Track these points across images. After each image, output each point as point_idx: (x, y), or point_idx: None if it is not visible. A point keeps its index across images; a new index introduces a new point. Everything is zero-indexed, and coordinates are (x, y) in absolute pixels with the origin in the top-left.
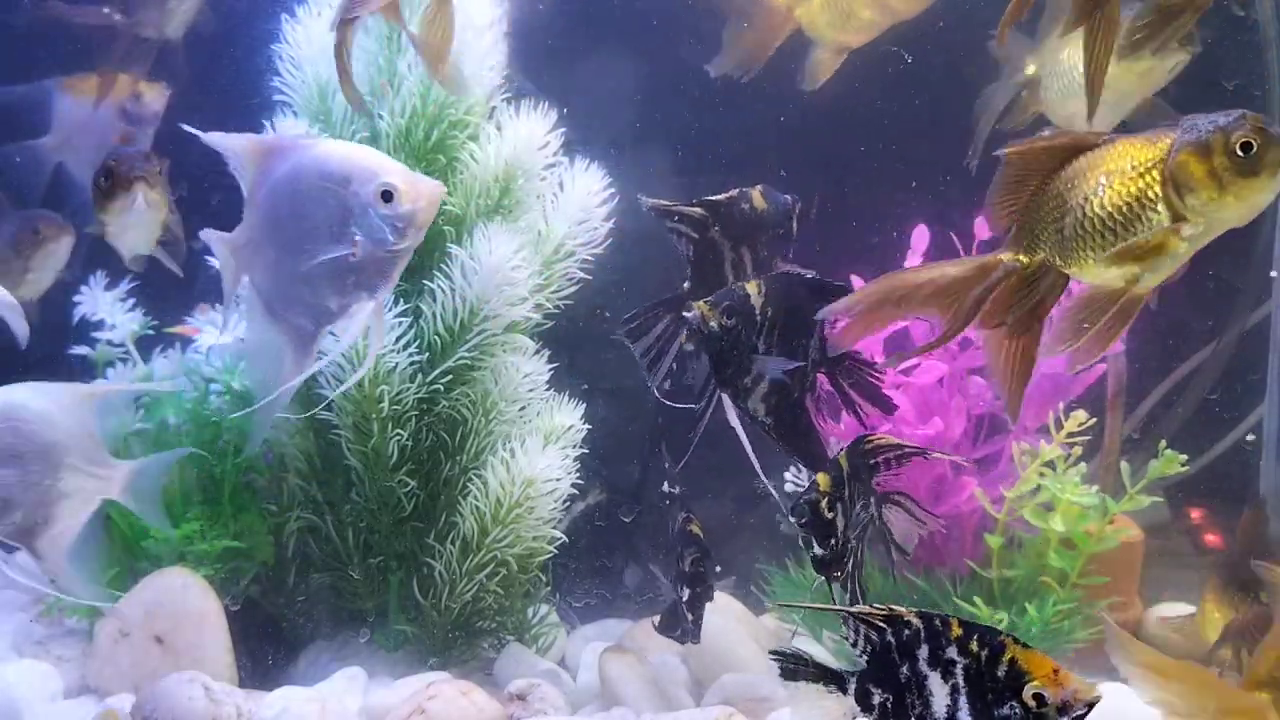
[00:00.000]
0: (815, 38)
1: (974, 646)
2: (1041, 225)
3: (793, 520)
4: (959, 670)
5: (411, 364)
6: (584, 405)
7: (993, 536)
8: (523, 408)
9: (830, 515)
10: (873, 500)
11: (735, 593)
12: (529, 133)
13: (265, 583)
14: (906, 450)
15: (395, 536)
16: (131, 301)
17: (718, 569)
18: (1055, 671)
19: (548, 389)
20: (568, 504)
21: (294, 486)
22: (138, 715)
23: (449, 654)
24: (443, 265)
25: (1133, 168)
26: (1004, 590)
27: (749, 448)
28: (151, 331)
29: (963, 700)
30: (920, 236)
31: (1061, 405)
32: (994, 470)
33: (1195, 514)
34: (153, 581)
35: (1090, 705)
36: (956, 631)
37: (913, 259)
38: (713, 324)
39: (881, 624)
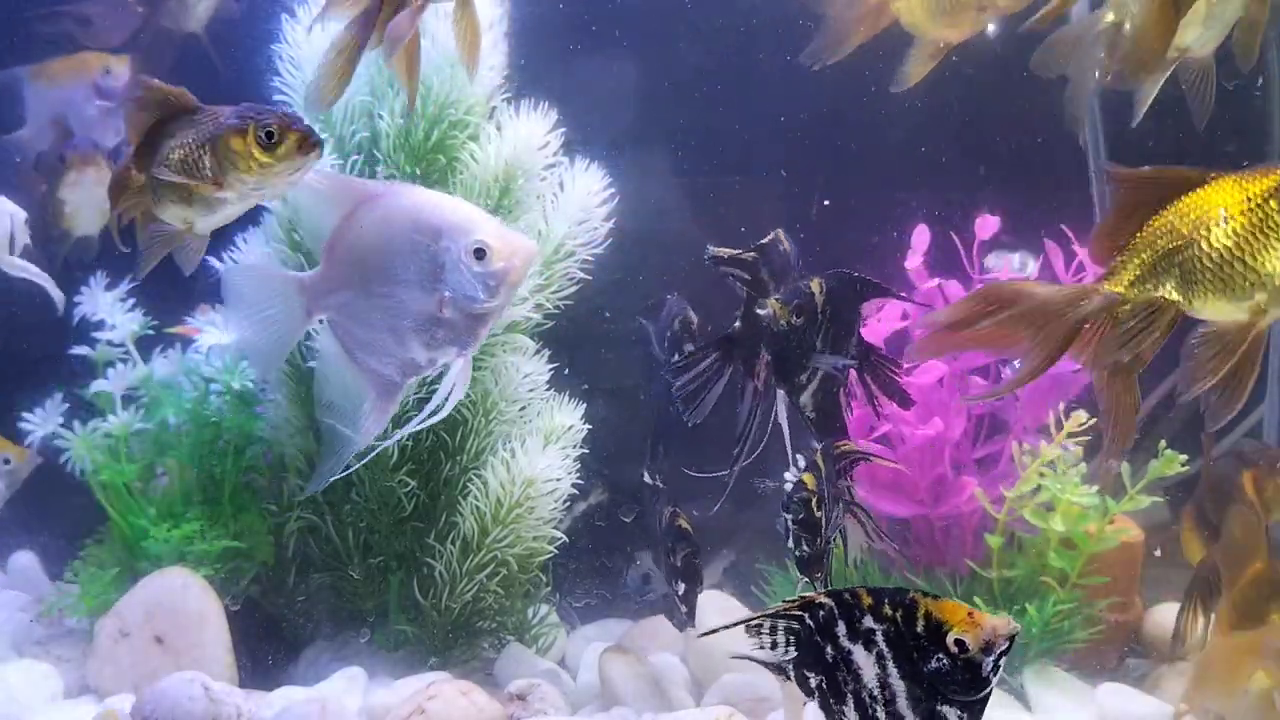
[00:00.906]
0: (914, 32)
1: (887, 610)
2: (1151, 260)
3: (787, 516)
4: (879, 637)
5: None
6: (584, 405)
7: (993, 536)
8: (523, 408)
9: (818, 514)
10: (839, 504)
11: (735, 592)
12: (529, 133)
13: (265, 583)
14: (861, 455)
15: (395, 536)
16: (131, 301)
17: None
18: (970, 615)
19: (548, 389)
20: (568, 504)
21: (294, 486)
22: (138, 715)
23: (449, 654)
24: None
25: (1250, 199)
26: (1004, 590)
27: (789, 446)
28: (151, 331)
29: (890, 665)
30: (920, 236)
31: (1061, 405)
32: (994, 470)
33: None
34: (153, 581)
35: (1011, 638)
36: (867, 600)
37: (913, 259)
38: (783, 321)
39: (797, 612)
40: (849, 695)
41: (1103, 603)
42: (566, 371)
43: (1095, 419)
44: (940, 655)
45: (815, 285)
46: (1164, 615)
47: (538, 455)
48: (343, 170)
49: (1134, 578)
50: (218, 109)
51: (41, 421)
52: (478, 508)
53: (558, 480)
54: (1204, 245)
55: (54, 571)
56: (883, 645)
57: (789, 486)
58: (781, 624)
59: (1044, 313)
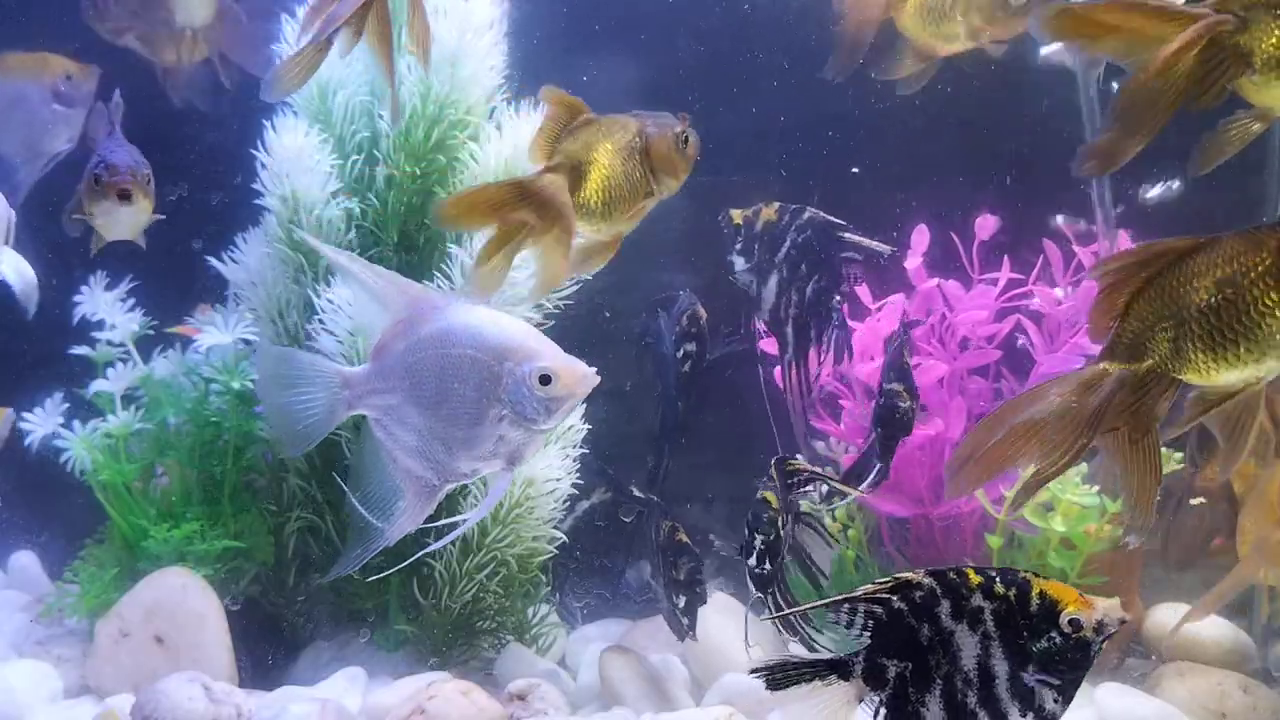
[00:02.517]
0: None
1: (999, 589)
2: (1148, 332)
3: (758, 537)
4: (988, 615)
5: None
6: (584, 405)
7: (993, 536)
8: None
9: (781, 532)
10: (791, 518)
11: (735, 593)
12: (529, 133)
13: (265, 583)
14: (814, 475)
15: None
16: (131, 301)
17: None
18: (1080, 595)
19: None
20: (569, 504)
21: (294, 486)
22: (138, 715)
23: (449, 654)
24: (443, 265)
25: (1245, 268)
26: None
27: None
28: (151, 331)
29: (995, 645)
30: (920, 236)
31: None
32: None
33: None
34: (153, 581)
35: (1122, 621)
36: (976, 579)
37: (913, 259)
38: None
39: (887, 594)
40: (938, 681)
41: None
42: None
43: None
44: (1053, 634)
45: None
46: (1164, 615)
47: (538, 455)
48: (342, 170)
49: (1134, 578)
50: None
51: (41, 421)
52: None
53: (558, 480)
54: (1201, 318)
55: (54, 571)
56: (990, 624)
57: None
58: (863, 607)
59: (1063, 415)
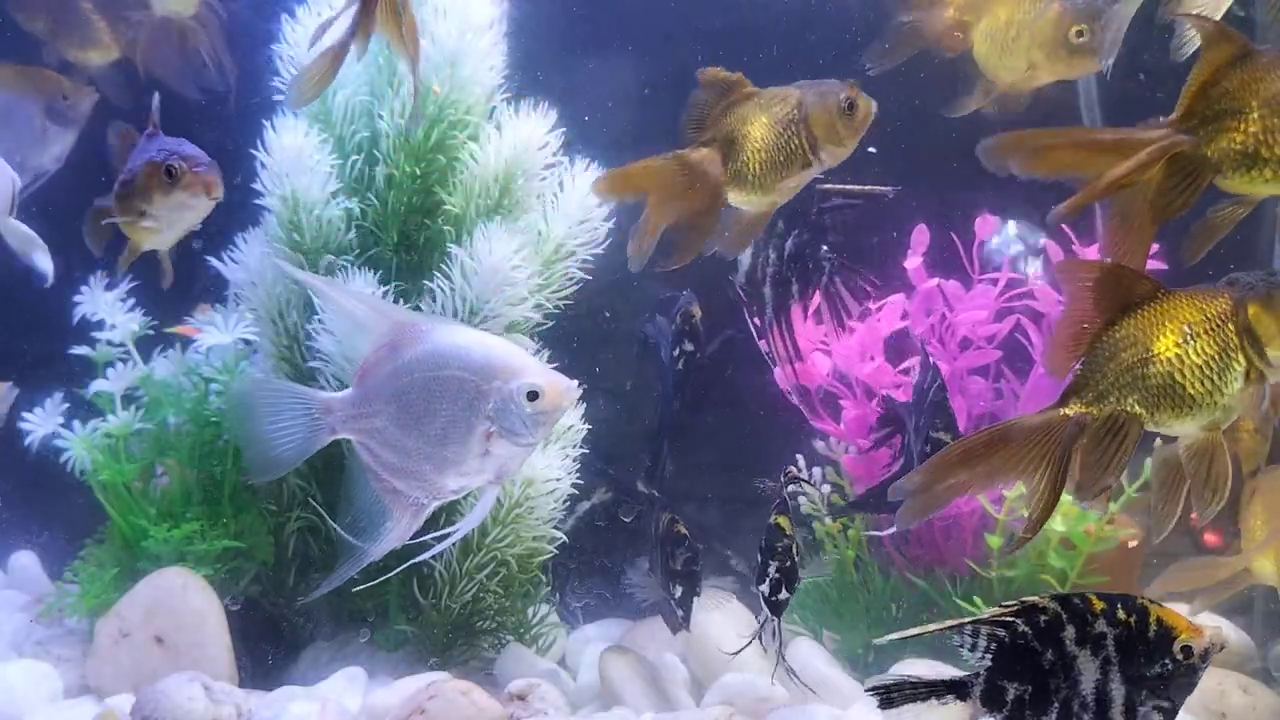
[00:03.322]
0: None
1: (1121, 615)
2: (1109, 376)
3: (772, 564)
4: (1109, 641)
5: None
6: (584, 405)
7: (993, 537)
8: None
9: (797, 559)
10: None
11: (735, 592)
12: (529, 133)
13: (265, 583)
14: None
15: None
16: (131, 301)
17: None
18: (1189, 623)
19: None
20: (569, 504)
21: (294, 486)
22: (138, 715)
23: (449, 654)
24: (443, 265)
25: (1208, 320)
26: (1004, 590)
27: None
28: (151, 331)
29: (1114, 670)
30: (920, 236)
31: None
32: None
33: (1195, 514)
34: (153, 581)
35: (1221, 648)
36: (1099, 605)
37: (913, 259)
38: None
39: (1010, 618)
40: (1055, 704)
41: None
42: (567, 372)
43: None
44: (1167, 660)
45: None
46: None
47: (538, 455)
48: (342, 170)
49: (1134, 578)
50: (154, 142)
51: (41, 421)
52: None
53: (558, 480)
54: (1166, 365)
55: (54, 571)
56: (1111, 649)
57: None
58: (986, 629)
59: (1024, 457)
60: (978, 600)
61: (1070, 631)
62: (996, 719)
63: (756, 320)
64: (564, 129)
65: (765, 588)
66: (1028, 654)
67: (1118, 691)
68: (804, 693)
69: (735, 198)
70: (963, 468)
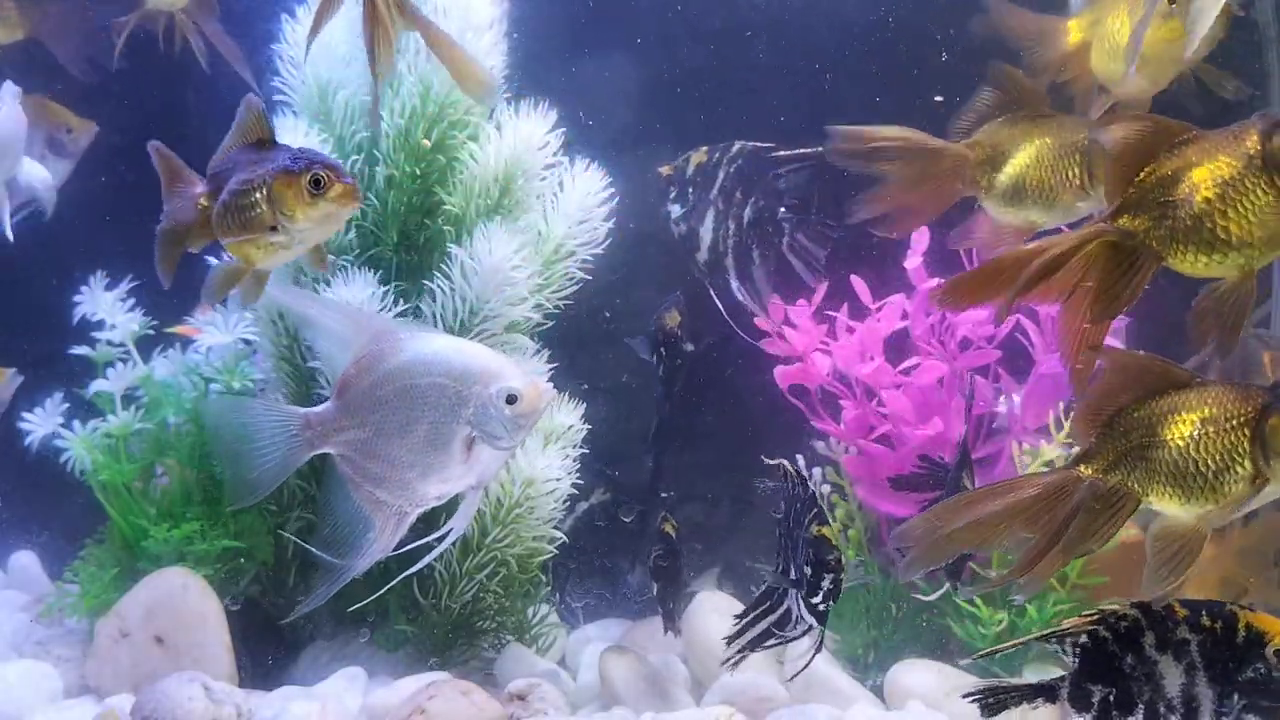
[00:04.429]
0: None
1: (1205, 621)
2: (1125, 450)
3: (827, 577)
4: (1193, 647)
5: None
6: (584, 405)
7: None
8: None
9: (843, 573)
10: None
11: (735, 592)
12: (529, 133)
13: (265, 583)
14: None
15: None
16: (131, 301)
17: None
18: None
19: None
20: (569, 504)
21: (294, 486)
22: (138, 715)
23: (449, 654)
24: (443, 265)
25: (1226, 419)
26: (1004, 590)
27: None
28: (151, 331)
29: (1200, 674)
30: (920, 237)
31: (1061, 405)
32: (994, 470)
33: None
34: (153, 581)
35: None
36: (1182, 613)
37: (912, 259)
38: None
39: (1093, 624)
40: (1141, 706)
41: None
42: (567, 372)
43: None
44: (1259, 664)
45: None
46: None
47: (538, 455)
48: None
49: (1134, 578)
50: (280, 149)
51: (41, 421)
52: (477, 508)
53: (558, 480)
54: (1172, 452)
55: (54, 571)
56: (1196, 655)
57: (808, 541)
58: (1070, 636)
59: (1032, 510)
60: (978, 600)
61: (1150, 638)
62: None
63: (719, 297)
64: (564, 129)
65: (818, 600)
66: (1110, 658)
67: (1205, 694)
68: (806, 688)
69: (993, 208)
70: (970, 514)
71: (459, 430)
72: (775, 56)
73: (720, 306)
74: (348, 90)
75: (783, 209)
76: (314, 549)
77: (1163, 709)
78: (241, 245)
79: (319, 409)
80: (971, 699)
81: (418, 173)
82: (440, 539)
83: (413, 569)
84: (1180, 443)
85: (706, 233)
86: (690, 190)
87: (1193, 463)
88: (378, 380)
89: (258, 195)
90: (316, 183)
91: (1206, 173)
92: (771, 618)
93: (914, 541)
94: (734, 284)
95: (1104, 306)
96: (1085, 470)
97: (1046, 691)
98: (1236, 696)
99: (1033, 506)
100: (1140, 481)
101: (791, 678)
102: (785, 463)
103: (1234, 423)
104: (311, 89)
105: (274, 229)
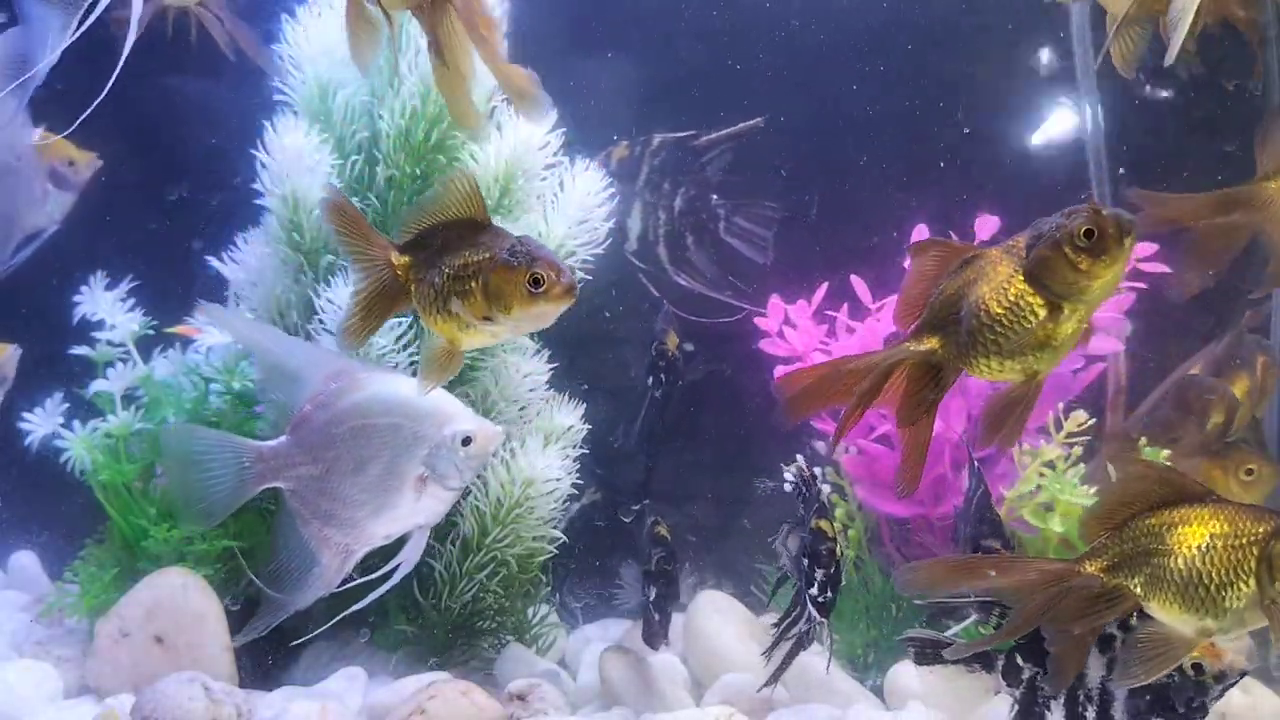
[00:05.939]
0: None
1: (1134, 621)
2: (1132, 554)
3: (820, 571)
4: (1118, 645)
5: (411, 364)
6: (584, 405)
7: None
8: (523, 408)
9: (841, 562)
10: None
11: (735, 592)
12: (529, 133)
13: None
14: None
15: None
16: (131, 301)
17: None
18: (1212, 644)
19: (548, 389)
20: (567, 504)
21: None
22: (138, 715)
23: (449, 654)
24: None
25: (1236, 535)
26: None
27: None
28: (151, 331)
29: (1119, 669)
30: (920, 236)
31: (1061, 405)
32: (994, 470)
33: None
34: (153, 581)
35: (1242, 675)
36: None
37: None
38: None
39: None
40: (1062, 692)
41: None
42: (567, 372)
43: (1095, 419)
44: (1173, 673)
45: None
46: None
47: (537, 455)
48: (342, 170)
49: None
50: (496, 235)
51: (41, 421)
52: (477, 508)
53: (557, 480)
54: (1177, 562)
55: (54, 571)
56: (1118, 651)
57: (807, 536)
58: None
59: (1028, 587)
60: None
61: None
62: (1015, 695)
63: (652, 285)
64: (564, 129)
65: (814, 591)
66: (1042, 641)
67: (1120, 692)
68: (806, 689)
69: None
70: (970, 581)
71: (412, 470)
72: (775, 57)
73: (653, 293)
74: (347, 90)
75: (714, 196)
76: (258, 580)
77: (1082, 697)
78: (447, 325)
79: (272, 443)
80: (911, 645)
81: (418, 173)
82: (388, 575)
83: (356, 605)
84: (1187, 552)
85: (634, 224)
86: (614, 183)
87: (1197, 573)
88: (334, 418)
89: (473, 285)
90: (536, 281)
91: (985, 289)
92: (796, 628)
93: (909, 587)
94: (670, 270)
95: (909, 412)
96: (1089, 567)
97: (984, 660)
98: (1149, 698)
99: (1030, 587)
100: (1143, 585)
101: (826, 667)
102: (801, 460)
103: (1243, 540)
104: (311, 89)
105: (487, 319)
